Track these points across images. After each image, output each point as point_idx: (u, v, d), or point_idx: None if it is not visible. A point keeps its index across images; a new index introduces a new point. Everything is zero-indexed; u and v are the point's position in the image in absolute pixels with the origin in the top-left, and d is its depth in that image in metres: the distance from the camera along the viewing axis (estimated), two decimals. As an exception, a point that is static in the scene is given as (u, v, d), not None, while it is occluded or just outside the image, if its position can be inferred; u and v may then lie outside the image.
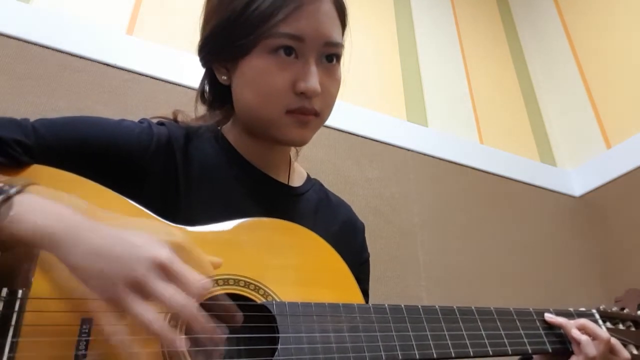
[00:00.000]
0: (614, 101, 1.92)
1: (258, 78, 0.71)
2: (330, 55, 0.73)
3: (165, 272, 0.48)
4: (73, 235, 0.48)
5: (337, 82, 0.76)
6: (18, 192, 0.50)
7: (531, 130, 2.10)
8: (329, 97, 0.74)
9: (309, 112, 0.72)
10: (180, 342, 0.47)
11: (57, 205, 0.51)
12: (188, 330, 0.52)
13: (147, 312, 0.46)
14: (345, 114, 1.63)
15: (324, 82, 0.72)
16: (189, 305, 0.47)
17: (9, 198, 0.49)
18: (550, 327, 0.78)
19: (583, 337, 0.75)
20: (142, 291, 0.47)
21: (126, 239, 0.49)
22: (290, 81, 0.70)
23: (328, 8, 0.72)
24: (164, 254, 0.49)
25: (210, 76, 0.81)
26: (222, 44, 0.74)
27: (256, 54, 0.70)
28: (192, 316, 0.48)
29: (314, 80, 0.70)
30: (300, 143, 0.76)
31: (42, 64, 1.20)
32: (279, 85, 0.70)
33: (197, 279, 0.49)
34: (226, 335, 0.54)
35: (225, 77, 0.77)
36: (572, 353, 0.77)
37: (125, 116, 0.76)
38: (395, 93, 1.83)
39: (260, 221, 0.70)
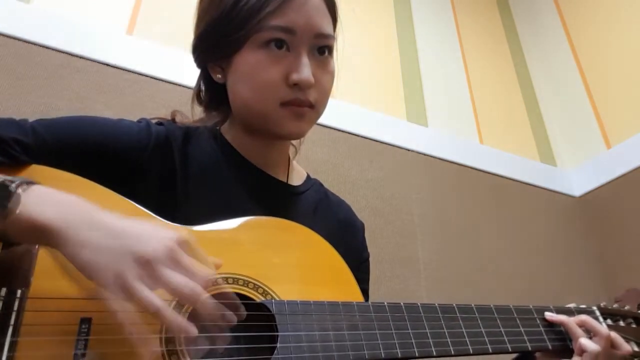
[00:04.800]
0: (614, 101, 1.92)
1: (251, 72, 0.71)
2: (322, 47, 0.74)
3: (172, 261, 0.49)
4: (74, 230, 0.48)
5: (330, 75, 0.76)
6: (20, 186, 0.50)
7: (531, 130, 2.10)
8: (322, 89, 0.75)
9: (304, 103, 0.72)
10: (192, 328, 0.48)
11: (60, 200, 0.51)
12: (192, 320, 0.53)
13: (155, 298, 0.46)
14: (346, 114, 1.63)
15: (317, 74, 0.72)
16: (197, 291, 0.48)
17: (11, 193, 0.49)
18: (550, 324, 0.78)
19: (584, 337, 0.75)
20: (150, 278, 0.47)
21: (130, 232, 0.50)
22: (282, 73, 0.71)
23: (317, 2, 0.73)
24: (170, 244, 0.49)
25: (205, 76, 0.81)
26: (214, 41, 0.74)
27: (248, 49, 0.71)
28: (201, 301, 0.49)
29: (306, 71, 0.70)
30: (297, 136, 0.77)
31: (42, 64, 1.20)
32: (272, 78, 0.70)
33: (204, 269, 0.51)
34: (234, 323, 0.54)
35: (220, 76, 0.77)
36: (572, 350, 0.77)
37: (125, 116, 0.76)
38: (395, 93, 1.83)
39: (260, 220, 0.70)
